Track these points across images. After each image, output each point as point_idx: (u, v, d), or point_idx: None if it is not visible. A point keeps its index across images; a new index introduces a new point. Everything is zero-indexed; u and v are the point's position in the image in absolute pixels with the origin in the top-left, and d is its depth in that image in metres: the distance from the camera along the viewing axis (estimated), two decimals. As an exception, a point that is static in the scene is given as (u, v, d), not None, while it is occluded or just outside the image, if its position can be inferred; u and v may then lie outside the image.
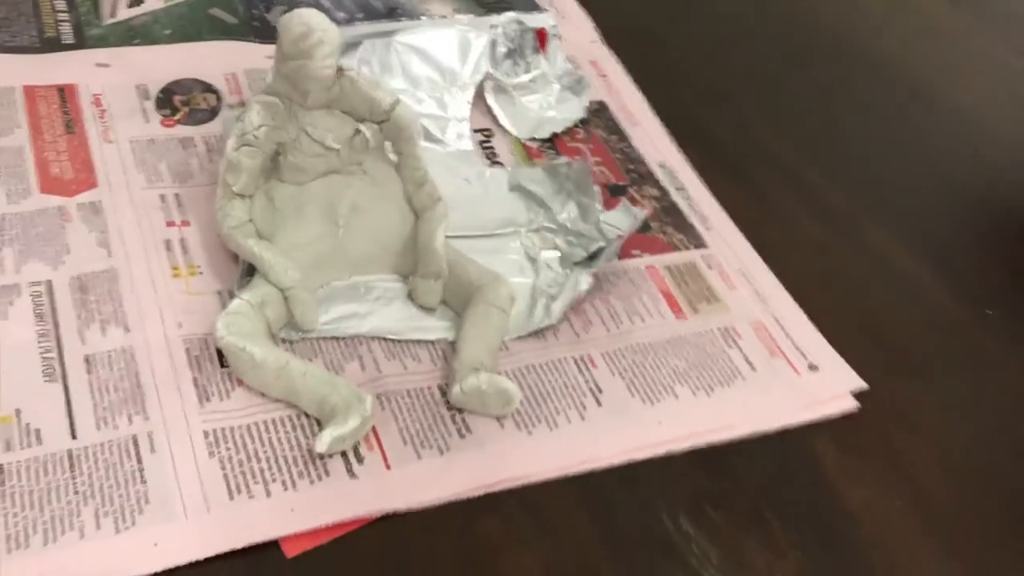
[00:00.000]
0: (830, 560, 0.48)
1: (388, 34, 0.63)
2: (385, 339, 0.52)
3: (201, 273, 0.52)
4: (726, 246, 0.62)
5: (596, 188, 0.58)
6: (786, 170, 0.70)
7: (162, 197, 0.56)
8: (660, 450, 0.50)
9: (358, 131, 0.53)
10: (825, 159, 0.72)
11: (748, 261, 0.61)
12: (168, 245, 0.53)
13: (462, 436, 0.48)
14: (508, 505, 0.47)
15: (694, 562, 0.46)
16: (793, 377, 0.55)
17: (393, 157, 0.56)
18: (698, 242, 0.61)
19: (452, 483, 0.46)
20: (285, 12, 0.51)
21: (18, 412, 0.45)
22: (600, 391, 0.52)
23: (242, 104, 0.62)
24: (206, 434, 0.46)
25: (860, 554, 0.48)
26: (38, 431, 0.44)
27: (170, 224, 0.54)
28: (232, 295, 0.52)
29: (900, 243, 0.66)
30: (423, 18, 0.66)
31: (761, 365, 0.55)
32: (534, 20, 0.67)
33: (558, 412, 0.50)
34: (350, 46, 0.61)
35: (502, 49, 0.66)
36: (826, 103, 0.78)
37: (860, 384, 0.55)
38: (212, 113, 0.61)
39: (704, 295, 0.58)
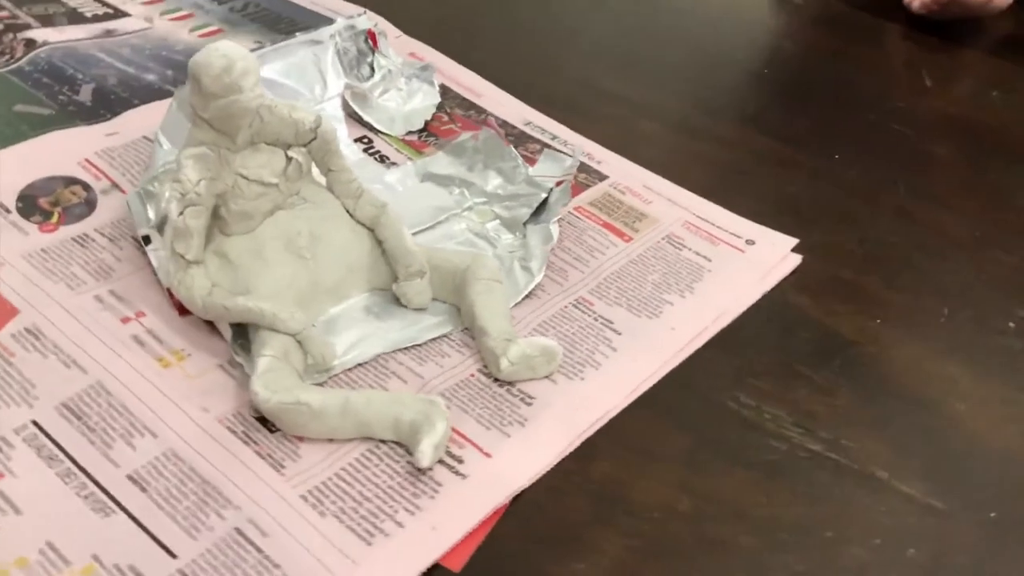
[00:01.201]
0: (866, 381, 0.53)
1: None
2: (406, 349, 0.50)
3: (189, 355, 0.48)
4: (620, 171, 0.65)
5: (511, 148, 0.60)
6: (610, 94, 0.75)
7: (98, 298, 0.50)
8: (687, 351, 0.53)
9: (290, 159, 0.51)
10: (628, 74, 0.78)
11: (643, 177, 0.65)
12: (138, 340, 0.48)
13: (529, 404, 0.48)
14: (605, 446, 0.47)
15: (772, 426, 0.50)
16: (740, 256, 0.60)
17: (321, 179, 0.54)
18: (599, 175, 0.65)
19: (551, 445, 0.46)
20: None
21: (97, 558, 0.39)
22: (611, 322, 0.53)
23: (115, 186, 0.57)
24: (304, 498, 0.42)
25: (882, 368, 0.54)
26: (132, 566, 0.39)
27: (125, 320, 0.49)
28: (235, 364, 0.48)
29: (729, 121, 0.74)
30: (267, 46, 0.63)
31: (712, 255, 0.59)
32: (359, 23, 0.66)
33: (592, 352, 0.51)
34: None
35: (346, 57, 0.65)
36: (611, 29, 0.84)
37: (793, 240, 0.62)
38: (88, 204, 0.55)
39: (633, 215, 0.61)
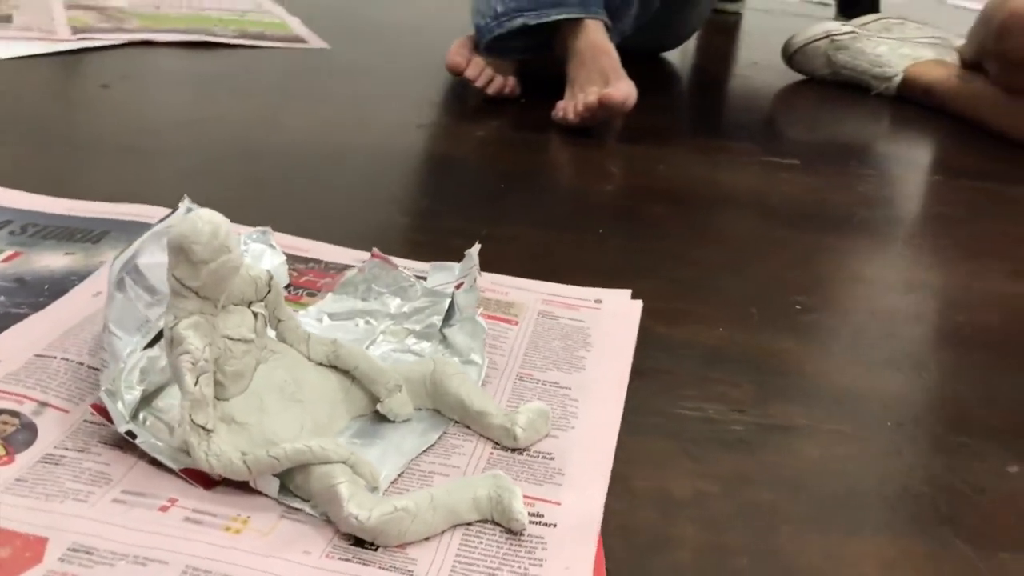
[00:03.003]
0: (749, 369, 0.66)
1: (128, 265, 0.58)
2: (423, 454, 0.53)
3: (249, 517, 0.47)
4: (465, 278, 0.73)
5: (401, 270, 0.65)
6: (411, 225, 0.83)
7: (118, 501, 0.46)
8: (623, 387, 0.62)
9: (255, 314, 0.52)
10: (414, 209, 0.86)
11: (488, 277, 0.73)
12: (192, 520, 0.46)
13: (552, 459, 0.54)
14: (628, 469, 0.55)
15: (720, 417, 0.61)
16: (600, 312, 0.70)
17: (271, 331, 0.55)
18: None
19: (596, 482, 0.52)
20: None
21: None
22: (556, 383, 0.61)
23: (44, 404, 0.52)
24: (448, 589, 0.44)
25: (750, 357, 0.68)
26: None
27: (164, 509, 0.46)
28: (292, 511, 0.47)
29: (510, 224, 0.85)
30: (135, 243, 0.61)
31: (581, 317, 0.69)
32: (190, 205, 0.67)
33: (563, 407, 0.58)
34: (117, 287, 0.56)
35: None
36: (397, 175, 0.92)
37: (627, 291, 0.73)
38: (28, 428, 0.50)
39: (503, 305, 0.69)
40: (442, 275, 0.66)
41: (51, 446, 0.50)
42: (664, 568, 0.48)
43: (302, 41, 1.38)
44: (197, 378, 0.48)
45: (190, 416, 0.47)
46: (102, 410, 0.50)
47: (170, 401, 0.53)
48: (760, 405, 0.62)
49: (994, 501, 0.56)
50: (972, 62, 1.44)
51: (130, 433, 0.50)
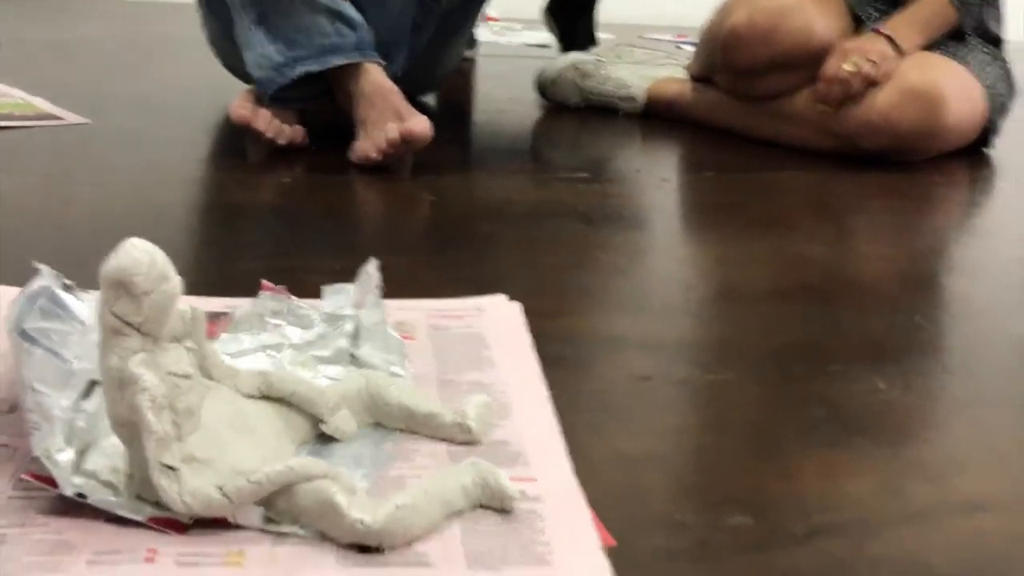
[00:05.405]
0: (636, 346, 0.70)
1: (16, 330, 0.52)
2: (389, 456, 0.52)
3: (242, 550, 0.44)
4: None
5: (293, 299, 0.63)
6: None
7: (94, 563, 0.42)
8: (539, 374, 0.63)
9: (188, 349, 0.49)
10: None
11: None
12: (187, 563, 0.42)
13: (508, 445, 0.55)
14: (579, 440, 0.56)
15: (630, 384, 0.64)
16: (488, 318, 0.72)
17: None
18: (336, 313, 0.70)
19: (559, 455, 0.54)
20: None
21: None
22: (479, 381, 0.62)
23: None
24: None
25: (630, 337, 0.72)
26: None
27: (149, 560, 0.42)
28: (280, 536, 0.45)
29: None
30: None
31: (470, 324, 0.70)
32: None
33: (497, 399, 0.59)
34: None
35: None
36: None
37: (503, 296, 0.75)
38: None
39: (395, 326, 0.69)
40: (338, 298, 0.65)
41: (-17, 529, 0.44)
42: (658, 525, 0.50)
43: (57, 118, 1.29)
44: (159, 415, 0.44)
45: (158, 458, 0.44)
46: (41, 477, 0.45)
47: (101, 460, 0.49)
48: (663, 369, 0.67)
49: (880, 413, 0.63)
50: (701, 76, 1.60)
51: (80, 494, 0.45)
